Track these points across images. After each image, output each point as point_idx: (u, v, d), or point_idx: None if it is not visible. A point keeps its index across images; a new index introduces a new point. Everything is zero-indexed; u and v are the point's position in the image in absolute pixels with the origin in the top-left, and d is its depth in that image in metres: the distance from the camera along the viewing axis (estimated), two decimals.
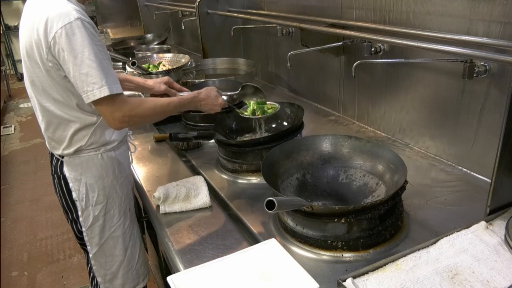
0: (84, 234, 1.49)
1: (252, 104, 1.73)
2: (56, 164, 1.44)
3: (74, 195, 1.43)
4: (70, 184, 1.42)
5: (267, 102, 1.74)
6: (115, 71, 1.31)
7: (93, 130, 1.38)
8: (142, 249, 1.64)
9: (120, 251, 1.54)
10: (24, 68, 1.34)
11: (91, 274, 1.63)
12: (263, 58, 2.80)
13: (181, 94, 1.75)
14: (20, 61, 1.49)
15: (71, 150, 1.38)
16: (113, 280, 1.57)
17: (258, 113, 1.71)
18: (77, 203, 1.44)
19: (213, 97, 1.56)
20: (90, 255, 1.52)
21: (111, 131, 1.43)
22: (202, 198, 1.38)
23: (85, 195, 1.43)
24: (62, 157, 1.42)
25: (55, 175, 1.46)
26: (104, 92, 1.20)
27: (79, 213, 1.45)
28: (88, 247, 1.51)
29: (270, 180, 1.22)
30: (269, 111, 1.70)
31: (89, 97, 1.21)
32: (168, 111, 1.42)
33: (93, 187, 1.43)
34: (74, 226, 1.53)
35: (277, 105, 1.74)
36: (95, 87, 1.19)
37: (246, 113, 1.72)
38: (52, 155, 1.48)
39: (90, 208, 1.44)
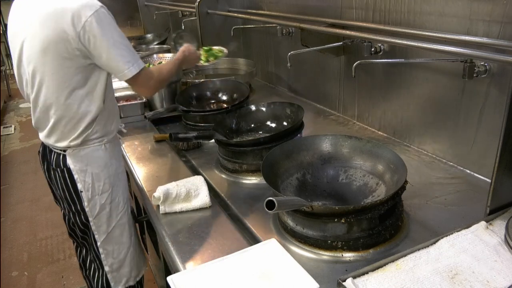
0: (91, 223, 1.53)
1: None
2: (57, 158, 1.47)
3: (79, 186, 1.47)
4: (75, 176, 1.46)
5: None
6: None
7: (98, 119, 1.44)
8: (138, 235, 1.73)
9: (127, 238, 1.61)
10: (35, 65, 1.33)
11: (92, 269, 1.66)
12: (263, 58, 2.80)
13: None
14: None
15: (79, 140, 1.43)
16: (120, 268, 1.63)
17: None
18: (83, 194, 1.48)
19: (192, 51, 1.78)
20: (98, 243, 1.57)
21: (111, 121, 1.51)
22: (202, 198, 1.38)
23: (91, 185, 1.47)
24: (65, 150, 1.45)
25: (57, 169, 1.48)
26: (139, 66, 1.37)
27: (85, 203, 1.49)
28: (96, 236, 1.55)
29: (270, 180, 1.22)
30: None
31: (127, 75, 1.35)
32: (175, 71, 1.62)
33: (99, 176, 1.48)
34: (78, 218, 1.55)
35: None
36: (130, 65, 1.34)
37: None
38: (48, 151, 1.50)
39: (96, 197, 1.49)
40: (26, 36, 1.34)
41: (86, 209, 1.51)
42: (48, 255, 2.99)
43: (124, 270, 1.64)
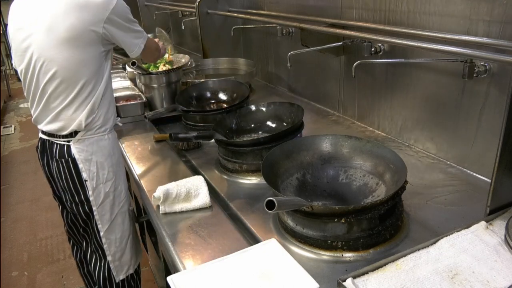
0: (95, 213, 1.58)
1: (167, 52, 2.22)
2: (61, 149, 1.52)
3: (84, 175, 1.53)
4: (80, 165, 1.53)
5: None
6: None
7: (100, 106, 1.53)
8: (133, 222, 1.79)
9: (128, 225, 1.67)
10: (47, 56, 1.40)
11: (92, 262, 1.70)
12: (263, 58, 2.80)
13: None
14: None
15: (83, 125, 1.50)
16: (122, 256, 1.69)
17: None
18: (87, 183, 1.54)
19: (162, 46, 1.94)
20: (101, 233, 1.61)
21: (111, 110, 1.60)
22: (202, 198, 1.38)
23: (96, 173, 1.55)
24: (69, 141, 1.50)
25: (62, 160, 1.53)
26: (148, 35, 1.63)
27: (90, 192, 1.55)
28: (99, 225, 1.60)
29: (270, 180, 1.22)
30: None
31: (142, 47, 1.60)
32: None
33: (103, 165, 1.56)
34: (81, 208, 1.59)
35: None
36: (144, 38, 1.60)
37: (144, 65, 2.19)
38: (49, 144, 1.54)
39: (101, 185, 1.56)
40: (38, 29, 1.39)
41: (91, 198, 1.56)
42: (48, 255, 2.99)
43: (126, 258, 1.70)
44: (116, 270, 1.69)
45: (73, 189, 1.56)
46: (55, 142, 1.53)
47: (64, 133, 1.51)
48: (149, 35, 1.81)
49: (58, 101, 1.48)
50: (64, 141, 1.52)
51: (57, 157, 1.53)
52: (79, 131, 1.51)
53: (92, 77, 1.48)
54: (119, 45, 1.54)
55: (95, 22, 1.40)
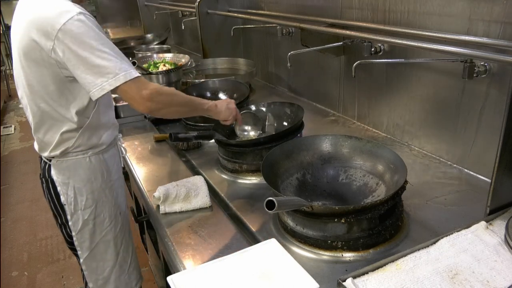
0: (74, 238, 1.46)
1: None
2: (44, 168, 1.42)
3: (62, 198, 1.41)
4: (58, 188, 1.40)
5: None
6: None
7: (81, 132, 1.35)
8: (134, 253, 1.63)
9: (112, 255, 1.51)
10: (18, 68, 1.31)
11: (85, 279, 1.61)
12: (263, 58, 2.80)
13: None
14: None
15: (58, 152, 1.36)
16: (105, 285, 1.54)
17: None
18: (66, 207, 1.42)
19: (232, 108, 1.54)
20: (81, 260, 1.50)
21: (99, 134, 1.40)
22: (202, 198, 1.38)
23: (73, 198, 1.40)
24: (50, 160, 1.39)
25: (43, 179, 1.44)
26: (127, 76, 1.18)
27: (68, 217, 1.43)
28: (79, 252, 1.49)
29: (270, 180, 1.22)
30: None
31: (105, 88, 1.18)
32: (189, 102, 1.41)
33: (81, 191, 1.40)
34: (64, 231, 1.50)
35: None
36: (110, 77, 1.17)
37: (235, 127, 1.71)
38: (41, 158, 1.45)
39: (79, 212, 1.42)
40: (14, 39, 1.31)
41: (70, 223, 1.44)
42: (48, 255, 2.99)
43: (110, 287, 1.56)
44: None
45: (55, 211, 1.46)
46: (41, 158, 1.43)
47: (43, 155, 1.40)
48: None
49: (30, 120, 1.36)
50: (46, 160, 1.40)
51: (41, 176, 1.44)
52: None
53: (59, 100, 1.28)
54: (78, 79, 1.22)
55: (44, 42, 1.18)
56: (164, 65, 2.49)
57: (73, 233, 1.45)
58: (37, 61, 1.23)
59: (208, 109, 1.47)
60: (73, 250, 1.54)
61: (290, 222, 1.18)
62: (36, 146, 1.43)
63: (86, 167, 1.40)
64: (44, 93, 1.28)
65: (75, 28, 1.16)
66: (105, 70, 1.17)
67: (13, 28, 1.34)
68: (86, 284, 1.74)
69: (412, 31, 1.44)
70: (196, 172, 1.65)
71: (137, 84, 1.22)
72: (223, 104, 1.52)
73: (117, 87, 1.19)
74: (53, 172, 1.39)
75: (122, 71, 1.19)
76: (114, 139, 1.50)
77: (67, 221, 1.45)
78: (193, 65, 2.80)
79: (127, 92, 1.22)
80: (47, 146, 1.36)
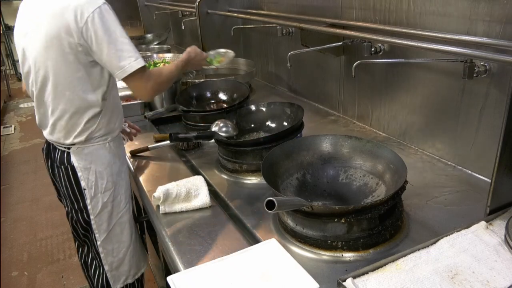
0: (92, 222, 1.54)
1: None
2: (62, 156, 1.49)
3: (83, 183, 1.49)
4: (79, 174, 1.48)
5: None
6: None
7: (102, 115, 1.46)
8: (138, 234, 1.74)
9: (127, 236, 1.62)
10: (38, 60, 1.36)
11: (93, 267, 1.68)
12: (263, 58, 2.80)
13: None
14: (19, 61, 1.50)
15: (83, 137, 1.45)
16: (120, 266, 1.65)
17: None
18: (86, 192, 1.50)
19: (199, 52, 1.75)
20: (98, 243, 1.58)
21: (115, 118, 1.52)
22: (202, 198, 1.38)
23: (94, 182, 1.49)
24: (69, 148, 1.47)
25: (61, 167, 1.50)
26: (140, 63, 1.36)
27: (88, 201, 1.51)
28: (96, 235, 1.57)
29: (270, 180, 1.22)
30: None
31: (127, 71, 1.34)
32: (177, 72, 1.61)
33: (102, 175, 1.50)
34: (80, 216, 1.56)
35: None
36: (132, 60, 1.34)
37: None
38: (52, 148, 1.52)
39: (99, 195, 1.51)
40: (29, 32, 1.37)
41: (89, 207, 1.52)
42: (48, 255, 2.99)
43: (123, 269, 1.66)
44: (113, 279, 1.66)
45: (72, 197, 1.53)
46: (57, 147, 1.50)
47: (64, 142, 1.46)
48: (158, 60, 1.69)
49: (51, 110, 1.42)
50: (65, 148, 1.48)
51: (57, 163, 1.50)
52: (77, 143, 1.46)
53: (83, 85, 1.38)
54: (100, 62, 1.37)
55: (72, 28, 1.29)
56: (164, 65, 2.49)
57: (92, 217, 1.54)
58: (64, 49, 1.32)
59: (186, 64, 1.69)
60: (85, 237, 1.63)
61: (290, 222, 1.18)
62: (53, 137, 1.48)
63: (107, 152, 1.51)
64: (70, 81, 1.37)
65: (103, 16, 1.30)
66: (128, 54, 1.34)
67: (24, 26, 1.40)
68: (89, 283, 1.76)
69: (412, 31, 1.44)
70: (196, 172, 1.65)
71: (144, 74, 1.40)
72: (191, 52, 1.72)
73: (131, 73, 1.35)
74: (73, 159, 1.48)
75: (140, 56, 1.37)
76: (122, 125, 1.63)
77: (85, 206, 1.52)
78: None
79: (135, 80, 1.38)
80: (70, 133, 1.44)
